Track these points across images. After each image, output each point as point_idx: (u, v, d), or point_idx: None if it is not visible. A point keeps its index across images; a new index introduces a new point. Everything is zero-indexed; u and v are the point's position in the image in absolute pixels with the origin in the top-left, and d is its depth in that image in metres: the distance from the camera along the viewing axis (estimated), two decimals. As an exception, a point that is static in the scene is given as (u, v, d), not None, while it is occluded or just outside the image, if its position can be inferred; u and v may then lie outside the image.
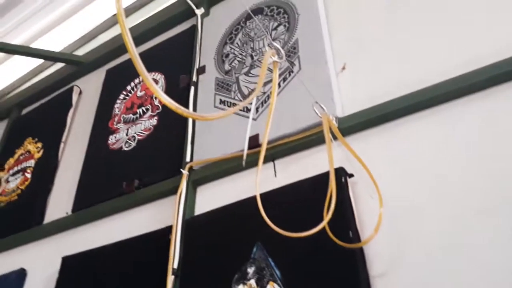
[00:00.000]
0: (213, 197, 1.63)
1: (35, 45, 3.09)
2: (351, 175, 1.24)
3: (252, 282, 1.21)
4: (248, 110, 1.66)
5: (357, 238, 1.13)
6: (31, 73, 3.21)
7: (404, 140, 1.29)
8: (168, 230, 1.57)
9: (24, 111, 3.00)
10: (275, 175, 1.47)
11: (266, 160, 1.47)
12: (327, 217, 0.96)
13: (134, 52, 0.54)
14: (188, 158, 1.72)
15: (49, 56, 2.82)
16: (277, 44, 1.03)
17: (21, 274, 2.02)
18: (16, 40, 3.06)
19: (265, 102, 1.64)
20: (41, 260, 2.02)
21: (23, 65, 3.25)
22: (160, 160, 1.84)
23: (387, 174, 1.22)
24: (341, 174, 1.20)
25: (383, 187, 1.15)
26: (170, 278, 1.43)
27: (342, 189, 1.14)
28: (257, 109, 1.64)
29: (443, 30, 1.42)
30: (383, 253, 1.12)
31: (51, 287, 1.81)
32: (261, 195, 1.03)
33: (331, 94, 1.45)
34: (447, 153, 1.19)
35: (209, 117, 0.70)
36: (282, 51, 1.01)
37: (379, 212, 1.09)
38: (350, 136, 1.37)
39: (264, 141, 0.97)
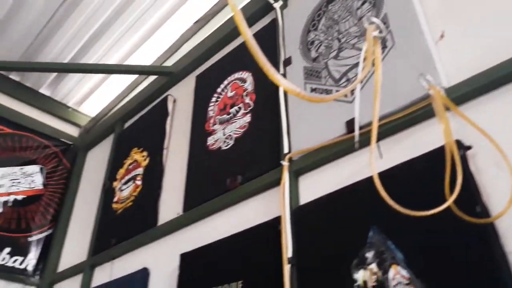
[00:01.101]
0: (315, 185, 1.62)
1: (128, 62, 3.34)
2: (469, 147, 1.16)
3: (373, 266, 1.18)
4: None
5: (485, 212, 1.05)
6: (128, 88, 3.48)
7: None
8: (276, 221, 1.60)
9: (126, 125, 3.27)
10: (381, 157, 1.43)
11: (368, 143, 1.43)
12: (455, 192, 0.90)
13: (255, 48, 0.55)
14: (286, 149, 1.74)
15: (142, 71, 3.03)
16: (375, 19, 0.99)
17: (144, 273, 2.20)
18: (111, 60, 3.34)
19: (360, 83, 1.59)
20: (161, 259, 2.18)
21: (120, 82, 3.54)
22: (259, 155, 1.89)
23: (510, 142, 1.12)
24: (460, 147, 1.12)
25: (510, 156, 1.05)
26: (286, 267, 1.45)
27: (463, 162, 1.07)
28: (351, 92, 1.60)
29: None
30: (518, 226, 1.03)
31: (173, 283, 1.95)
32: (371, 178, 1.01)
33: (433, 64, 1.36)
34: None
35: (327, 98, 0.70)
36: (382, 25, 0.97)
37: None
38: (461, 106, 1.28)
39: (374, 117, 0.94)
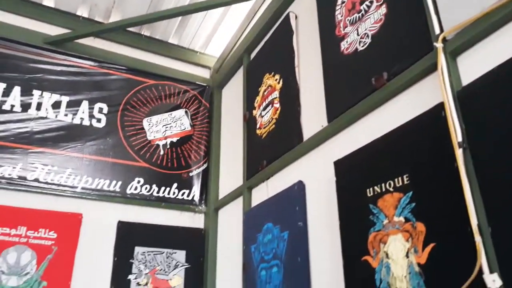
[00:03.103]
0: (477, 63, 1.44)
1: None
2: None
3: None
4: None
5: None
6: (246, 19, 3.49)
7: None
8: (438, 108, 1.48)
9: (253, 55, 3.32)
10: None
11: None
12: None
13: None
14: (437, 30, 1.56)
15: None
16: None
17: (300, 185, 2.29)
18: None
19: None
20: (314, 171, 2.24)
21: (238, 16, 3.56)
22: (404, 45, 1.74)
23: None
24: None
25: None
26: (458, 152, 1.35)
27: None
28: None
29: None
30: None
31: (330, 190, 2.00)
32: None
33: None
34: None
35: None
36: None
37: None
38: None
39: None
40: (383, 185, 1.66)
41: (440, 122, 1.44)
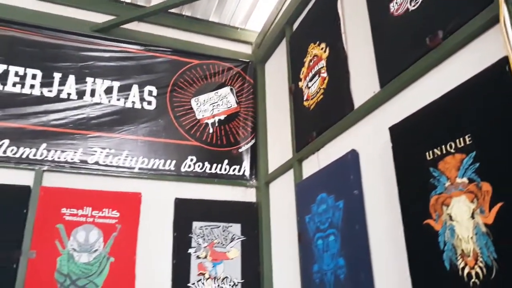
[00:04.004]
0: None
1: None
2: None
3: None
4: None
5: None
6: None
7: None
8: (501, 63, 1.41)
9: (295, 26, 3.27)
10: None
11: None
12: None
13: None
14: (498, -21, 1.47)
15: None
16: None
17: (353, 154, 2.28)
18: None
19: None
20: (367, 138, 2.22)
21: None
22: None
23: None
24: None
25: None
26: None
27: None
28: None
29: None
30: None
31: (386, 157, 1.97)
32: None
33: None
34: None
35: None
36: None
37: None
38: None
39: None
40: (443, 147, 1.62)
41: (504, 77, 1.38)
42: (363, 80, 2.28)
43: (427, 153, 1.69)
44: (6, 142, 2.94)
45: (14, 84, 3.10)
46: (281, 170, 3.22)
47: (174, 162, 3.35)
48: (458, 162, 1.55)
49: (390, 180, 1.91)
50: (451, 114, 1.61)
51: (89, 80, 3.33)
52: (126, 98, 3.40)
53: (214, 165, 3.49)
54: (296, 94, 3.05)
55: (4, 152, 2.92)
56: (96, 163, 3.14)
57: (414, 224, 1.73)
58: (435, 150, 1.65)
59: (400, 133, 1.89)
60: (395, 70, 1.97)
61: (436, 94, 1.70)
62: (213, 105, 3.69)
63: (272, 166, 3.44)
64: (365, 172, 2.19)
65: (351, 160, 2.29)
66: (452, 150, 1.58)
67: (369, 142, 2.19)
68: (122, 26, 3.53)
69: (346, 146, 2.36)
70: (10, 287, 2.65)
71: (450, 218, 1.56)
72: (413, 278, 1.69)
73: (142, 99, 3.44)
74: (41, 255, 2.79)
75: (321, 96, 2.67)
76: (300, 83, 3.01)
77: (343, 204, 2.28)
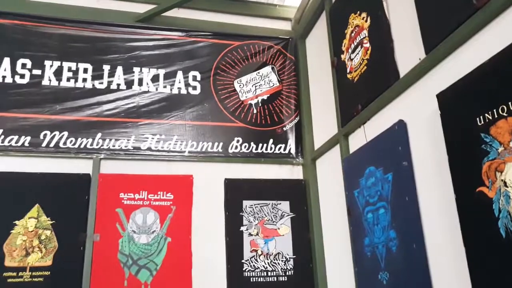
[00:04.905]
0: None
1: None
2: None
3: None
4: None
5: None
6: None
7: None
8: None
9: (334, -2, 3.20)
10: None
11: None
12: None
13: None
14: None
15: None
16: None
17: (401, 125, 2.22)
18: None
19: None
20: (414, 107, 2.15)
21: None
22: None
23: None
24: None
25: None
26: None
27: None
28: None
29: None
30: None
31: (434, 126, 1.91)
32: None
33: None
34: None
35: None
36: None
37: None
38: None
39: None
40: (494, 111, 1.55)
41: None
42: (407, 48, 2.20)
43: (477, 119, 1.62)
44: (65, 134, 3.15)
45: (68, 79, 3.30)
46: (327, 146, 3.20)
47: (221, 144, 3.44)
48: (511, 126, 1.48)
49: (440, 149, 1.85)
50: (503, 76, 1.53)
51: (136, 69, 3.46)
52: (172, 85, 3.50)
53: (260, 145, 3.54)
54: (338, 67, 3.00)
55: (64, 143, 3.13)
56: (149, 149, 3.29)
57: (466, 192, 1.68)
58: (486, 115, 1.58)
59: (449, 100, 1.82)
60: (440, 35, 1.88)
61: (485, 56, 1.61)
62: (255, 86, 3.71)
63: (318, 143, 3.43)
64: (414, 143, 2.13)
65: (398, 131, 2.24)
66: (505, 114, 1.50)
67: (416, 112, 2.13)
68: (163, 14, 3.61)
69: (393, 117, 2.30)
70: (79, 268, 2.88)
71: (505, 184, 1.50)
72: (467, 247, 1.65)
73: (187, 85, 3.53)
74: (104, 237, 2.99)
75: (365, 67, 2.61)
76: (343, 56, 2.95)
77: (392, 176, 2.25)
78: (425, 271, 1.92)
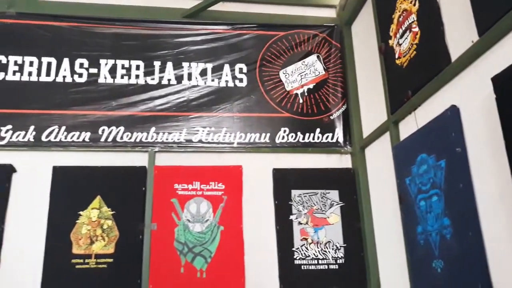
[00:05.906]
0: None
1: None
2: None
3: None
4: None
5: None
6: None
7: None
8: None
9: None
10: None
11: None
12: None
13: None
14: None
15: None
16: None
17: (453, 110, 2.16)
18: None
19: None
20: (466, 92, 2.08)
21: None
22: None
23: None
24: None
25: None
26: None
27: None
28: None
29: None
30: None
31: (489, 110, 1.85)
32: None
33: None
34: None
35: None
36: None
37: None
38: None
39: None
40: (556, 93, 1.48)
41: None
42: (459, 30, 2.13)
43: (537, 102, 1.56)
44: (122, 129, 3.32)
45: (122, 76, 3.47)
46: (376, 134, 3.16)
47: (268, 134, 3.49)
48: None
49: (496, 134, 1.80)
50: None
51: (185, 64, 3.58)
52: (220, 78, 3.58)
53: (307, 134, 3.55)
54: (386, 53, 2.95)
55: (121, 138, 3.31)
56: (200, 141, 3.40)
57: (526, 178, 1.62)
58: (547, 97, 1.52)
59: (505, 83, 1.75)
60: (494, 15, 1.81)
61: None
62: (301, 75, 3.72)
63: (366, 131, 3.39)
64: (467, 128, 2.07)
65: (451, 117, 2.18)
66: None
67: (470, 96, 2.06)
68: (208, 9, 3.69)
69: (445, 102, 2.24)
70: (138, 256, 3.06)
71: None
72: (528, 235, 1.60)
73: (234, 78, 3.60)
74: (161, 226, 3.15)
75: (414, 52, 2.55)
76: (390, 41, 2.89)
77: (445, 163, 2.20)
78: (482, 259, 1.88)
